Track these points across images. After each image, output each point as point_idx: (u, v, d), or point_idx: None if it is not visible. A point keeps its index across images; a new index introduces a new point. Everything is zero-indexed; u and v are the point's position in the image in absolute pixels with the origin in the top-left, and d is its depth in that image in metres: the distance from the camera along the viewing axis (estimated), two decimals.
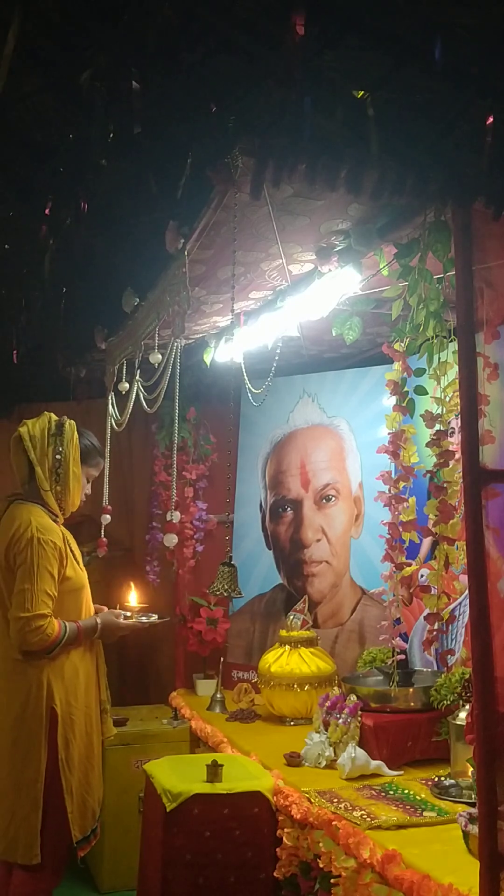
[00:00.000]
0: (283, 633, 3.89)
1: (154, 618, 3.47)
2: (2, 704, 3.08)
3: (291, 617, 3.93)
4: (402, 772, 2.99)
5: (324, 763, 3.10)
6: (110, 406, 3.75)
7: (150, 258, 2.75)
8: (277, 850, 2.85)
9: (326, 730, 3.19)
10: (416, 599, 3.32)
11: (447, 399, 2.69)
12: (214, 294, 3.11)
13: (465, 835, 2.26)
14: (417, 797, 2.73)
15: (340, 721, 3.11)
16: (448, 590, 2.73)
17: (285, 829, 2.82)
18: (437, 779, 2.85)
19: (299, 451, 4.41)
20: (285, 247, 2.64)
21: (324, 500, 4.25)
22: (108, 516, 3.76)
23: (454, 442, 2.69)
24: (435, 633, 2.70)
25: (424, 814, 2.57)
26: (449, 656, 3.10)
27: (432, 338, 2.58)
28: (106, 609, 3.38)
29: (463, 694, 2.92)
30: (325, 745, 3.12)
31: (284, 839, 2.81)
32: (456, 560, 2.66)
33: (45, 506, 3.18)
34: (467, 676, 2.92)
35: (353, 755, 2.95)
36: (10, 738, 3.03)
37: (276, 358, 3.22)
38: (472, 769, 2.62)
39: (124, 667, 4.77)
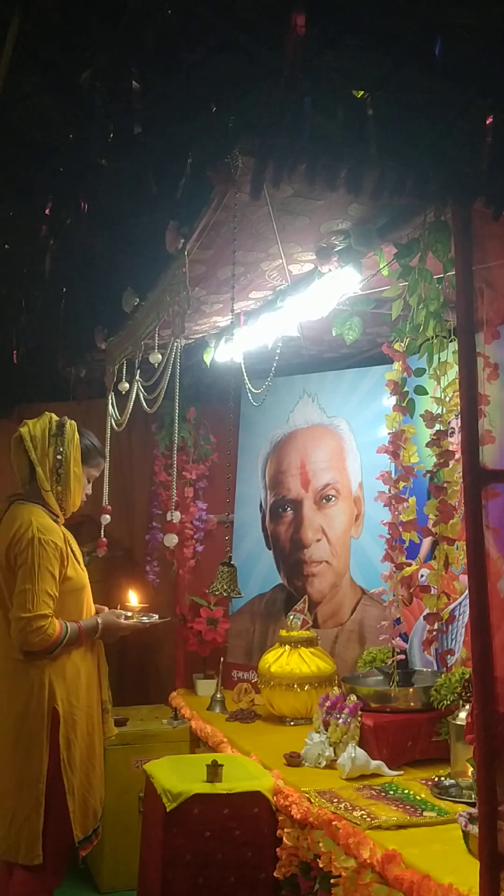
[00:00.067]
0: (283, 633, 3.89)
1: (155, 618, 3.47)
2: (3, 705, 3.08)
3: (291, 617, 3.93)
4: (402, 772, 2.98)
5: (324, 763, 3.10)
6: (110, 406, 3.75)
7: (150, 258, 2.75)
8: (277, 850, 2.85)
9: (326, 730, 3.19)
10: (416, 599, 3.32)
11: (447, 399, 2.69)
12: (214, 294, 3.11)
13: (465, 835, 2.26)
14: (417, 797, 2.73)
15: (340, 721, 3.11)
16: (448, 590, 2.73)
17: (285, 829, 2.82)
18: (437, 779, 2.85)
19: (299, 451, 4.41)
20: (285, 247, 2.64)
21: (324, 500, 4.25)
22: (108, 516, 3.76)
23: (454, 442, 2.69)
24: (435, 633, 2.70)
25: (424, 814, 2.57)
26: (449, 656, 3.10)
27: (432, 338, 2.58)
28: (107, 609, 3.38)
29: (463, 694, 2.92)
30: (325, 745, 3.12)
31: (284, 839, 2.81)
32: (456, 560, 2.66)
33: (45, 506, 3.18)
34: (467, 676, 2.92)
35: (353, 755, 2.95)
36: (12, 739, 3.03)
37: (276, 358, 3.22)
38: (472, 769, 2.62)
39: (124, 667, 4.77)
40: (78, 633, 3.11)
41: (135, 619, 3.38)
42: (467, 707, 2.83)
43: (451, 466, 2.66)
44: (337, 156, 1.78)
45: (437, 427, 2.70)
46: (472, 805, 2.48)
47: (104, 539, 3.73)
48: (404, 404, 2.90)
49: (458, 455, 2.57)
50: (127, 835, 3.65)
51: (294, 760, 3.15)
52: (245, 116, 1.77)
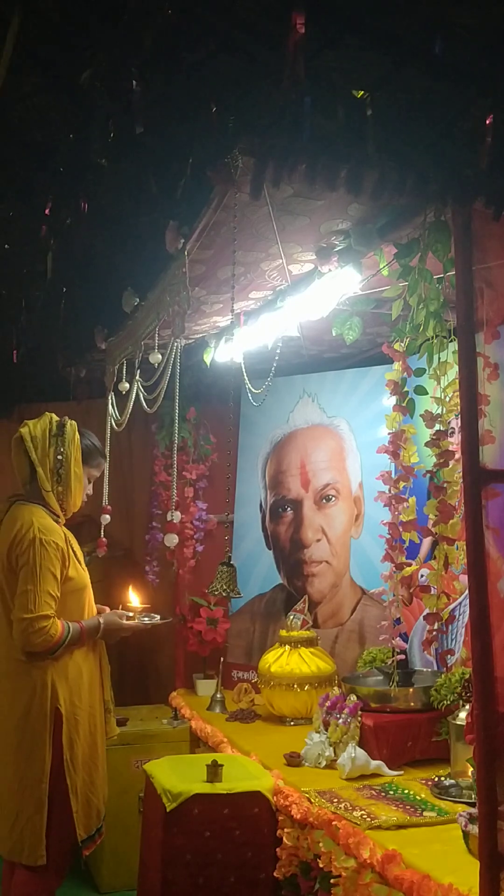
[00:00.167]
0: (283, 633, 3.89)
1: (156, 619, 3.47)
2: (6, 705, 3.08)
3: (291, 617, 3.93)
4: (402, 772, 2.98)
5: (324, 763, 3.10)
6: (110, 406, 3.75)
7: (150, 258, 2.75)
8: (277, 850, 2.85)
9: (326, 730, 3.19)
10: (416, 599, 3.32)
11: (447, 399, 2.69)
12: (214, 294, 3.11)
13: (465, 835, 2.26)
14: (417, 797, 2.73)
15: (340, 721, 3.11)
16: (448, 590, 2.73)
17: (285, 829, 2.82)
18: (437, 779, 2.85)
19: (299, 451, 4.41)
20: (285, 247, 2.64)
21: (324, 500, 4.25)
22: (108, 516, 3.76)
23: (454, 442, 2.69)
24: (435, 633, 2.70)
25: (424, 814, 2.57)
26: (449, 656, 3.10)
27: (432, 338, 2.58)
28: (108, 610, 3.38)
29: (463, 694, 2.92)
30: (325, 745, 3.12)
31: (284, 839, 2.81)
32: (456, 560, 2.66)
33: (46, 506, 3.18)
34: (467, 676, 2.92)
35: (353, 755, 2.95)
36: (15, 739, 3.03)
37: (276, 358, 3.22)
38: (472, 769, 2.62)
39: (124, 667, 4.77)
40: (80, 633, 3.11)
41: (136, 620, 3.38)
42: (467, 707, 2.83)
43: (451, 466, 2.66)
44: (337, 156, 1.78)
45: (437, 427, 2.70)
46: (472, 805, 2.48)
47: (104, 539, 3.73)
48: (404, 404, 2.90)
49: (458, 455, 2.57)
50: (127, 835, 3.65)
51: (294, 760, 3.15)
52: (245, 116, 1.77)
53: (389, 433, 2.94)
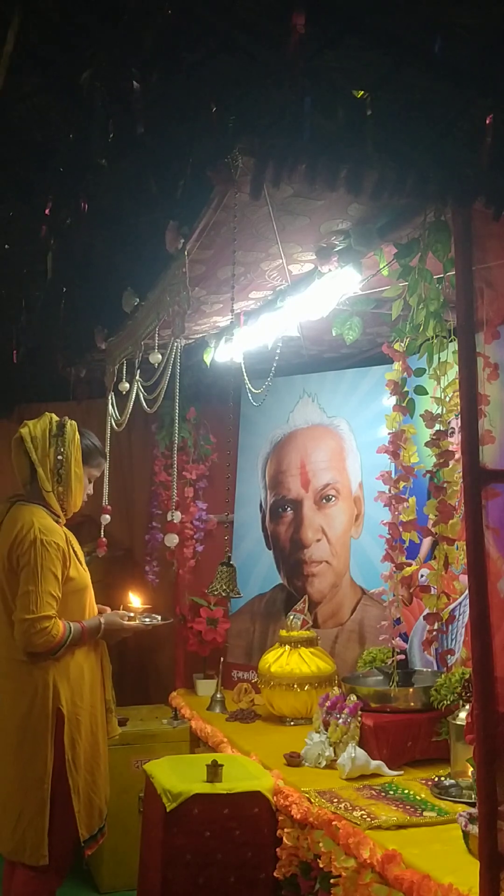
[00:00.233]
0: (283, 633, 3.89)
1: (157, 619, 3.48)
2: (8, 706, 3.08)
3: (291, 617, 3.93)
4: (402, 772, 2.99)
5: (324, 763, 3.10)
6: (110, 406, 3.75)
7: (150, 258, 2.75)
8: (277, 850, 2.85)
9: (326, 730, 3.19)
10: (416, 599, 3.32)
11: (447, 399, 2.69)
12: (214, 294, 3.11)
13: (465, 835, 2.26)
14: (417, 797, 2.73)
15: (340, 721, 3.11)
16: (448, 590, 2.73)
17: (285, 829, 2.82)
18: (437, 779, 2.85)
19: (299, 451, 4.41)
20: (285, 247, 2.64)
21: (324, 500, 4.25)
22: (108, 516, 3.76)
23: (454, 442, 2.69)
24: (435, 633, 2.70)
25: (424, 814, 2.57)
26: (449, 656, 3.11)
27: (432, 338, 2.58)
28: (109, 610, 3.38)
29: (463, 694, 2.92)
30: (325, 745, 3.12)
31: (284, 839, 2.81)
32: (456, 560, 2.66)
33: (47, 507, 3.18)
34: (467, 676, 2.92)
35: (353, 755, 2.95)
36: (17, 740, 3.03)
37: (276, 358, 3.22)
38: (472, 769, 2.62)
39: (125, 667, 4.77)
40: (81, 633, 3.11)
41: (137, 621, 3.38)
42: (467, 707, 2.83)
43: (451, 466, 2.66)
44: (337, 156, 1.78)
45: (437, 427, 2.70)
46: (472, 805, 2.48)
47: (104, 539, 3.73)
48: (404, 404, 2.90)
49: (458, 455, 2.57)
50: (127, 835, 3.65)
51: (294, 760, 3.15)
52: (245, 116, 1.77)
53: (389, 433, 2.94)
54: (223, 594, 2.74)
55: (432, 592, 2.71)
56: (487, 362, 2.12)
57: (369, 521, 4.03)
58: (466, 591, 2.04)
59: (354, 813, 2.58)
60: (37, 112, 1.91)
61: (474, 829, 2.09)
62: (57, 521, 3.19)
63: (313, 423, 4.40)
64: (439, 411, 2.71)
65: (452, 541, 2.66)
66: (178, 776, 2.96)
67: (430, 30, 1.61)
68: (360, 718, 3.07)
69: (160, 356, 2.97)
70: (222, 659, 4.27)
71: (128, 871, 3.46)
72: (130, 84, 1.69)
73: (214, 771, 2.91)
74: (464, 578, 2.37)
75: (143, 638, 4.28)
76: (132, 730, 4.06)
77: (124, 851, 3.72)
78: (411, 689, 3.13)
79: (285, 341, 3.32)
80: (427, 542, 3.25)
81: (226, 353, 3.66)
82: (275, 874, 2.85)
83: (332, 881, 2.50)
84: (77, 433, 3.24)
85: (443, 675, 3.08)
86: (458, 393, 2.34)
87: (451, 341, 2.55)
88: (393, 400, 2.92)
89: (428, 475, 2.81)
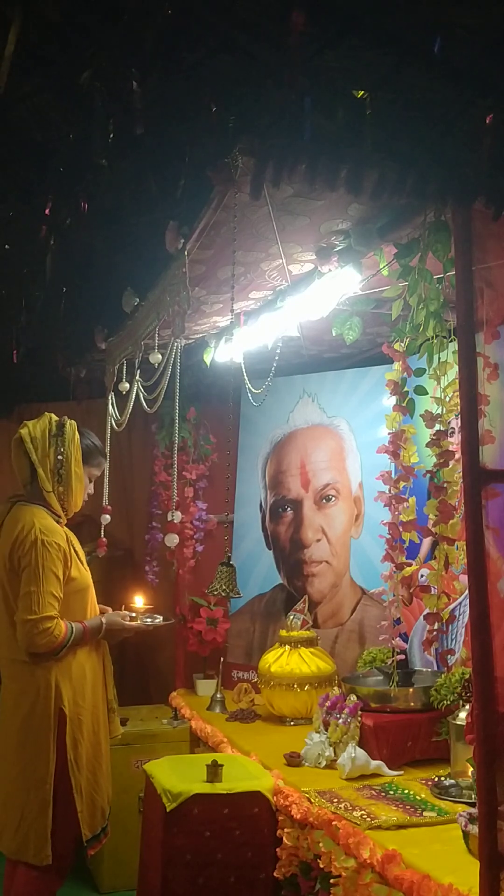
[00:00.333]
0: (283, 633, 3.89)
1: (159, 619, 3.48)
2: (10, 706, 3.08)
3: (291, 617, 3.93)
4: (402, 772, 2.98)
5: (324, 763, 3.10)
6: (110, 406, 3.75)
7: (150, 258, 2.75)
8: (277, 850, 2.85)
9: (326, 730, 3.19)
10: (416, 599, 3.32)
11: (447, 399, 2.69)
12: (214, 294, 3.11)
13: (465, 835, 2.26)
14: (417, 797, 2.73)
15: (340, 721, 3.11)
16: (448, 590, 2.73)
17: (285, 829, 2.82)
18: (437, 779, 2.85)
19: (299, 451, 4.41)
20: (285, 247, 2.64)
21: (324, 500, 4.25)
22: (108, 516, 3.77)
23: (454, 442, 2.69)
24: (435, 633, 2.70)
25: (424, 814, 2.57)
26: (449, 656, 3.11)
27: (432, 338, 2.58)
28: (110, 610, 3.38)
29: (463, 694, 2.92)
30: (325, 745, 3.12)
31: (284, 839, 2.81)
32: (456, 560, 2.66)
33: (47, 507, 3.18)
34: (467, 676, 2.92)
35: (353, 755, 2.95)
36: (19, 740, 3.03)
37: (276, 358, 3.22)
38: (472, 769, 2.62)
39: (125, 667, 4.77)
40: (83, 633, 3.11)
41: (139, 621, 3.38)
42: (467, 707, 2.83)
43: (451, 466, 2.66)
44: (337, 156, 1.78)
45: (437, 427, 2.70)
46: (472, 805, 2.48)
47: (104, 539, 3.73)
48: (404, 404, 2.90)
49: (458, 455, 2.57)
50: (127, 835, 3.65)
51: (294, 760, 3.15)
52: (245, 116, 1.77)
53: (389, 433, 2.94)
54: (223, 594, 2.74)
55: (432, 592, 2.71)
56: (487, 362, 2.12)
57: (369, 521, 4.03)
58: (466, 591, 2.04)
59: (354, 813, 2.58)
60: (37, 112, 1.91)
61: (474, 829, 2.09)
62: (58, 522, 3.19)
63: (313, 423, 4.40)
64: (439, 411, 2.71)
65: (452, 541, 2.66)
66: (178, 776, 2.96)
67: (430, 30, 1.61)
68: (360, 718, 3.07)
69: (160, 356, 2.97)
70: (222, 659, 4.27)
71: (128, 871, 3.46)
72: (130, 84, 1.69)
73: (214, 771, 2.91)
74: (464, 578, 2.37)
75: (143, 638, 4.28)
76: (132, 730, 4.06)
77: (124, 851, 3.72)
78: (411, 689, 3.13)
79: (285, 341, 3.32)
80: (427, 542, 3.25)
81: (226, 353, 3.66)
82: (275, 874, 2.85)
83: (332, 881, 2.50)
84: (77, 433, 3.24)
85: (443, 675, 3.08)
86: (458, 393, 2.34)
87: (451, 341, 2.55)
88: (393, 400, 2.92)
89: (428, 475, 2.81)
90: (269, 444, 4.56)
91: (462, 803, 2.62)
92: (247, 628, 4.48)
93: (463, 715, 2.83)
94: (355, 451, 4.17)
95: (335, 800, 2.72)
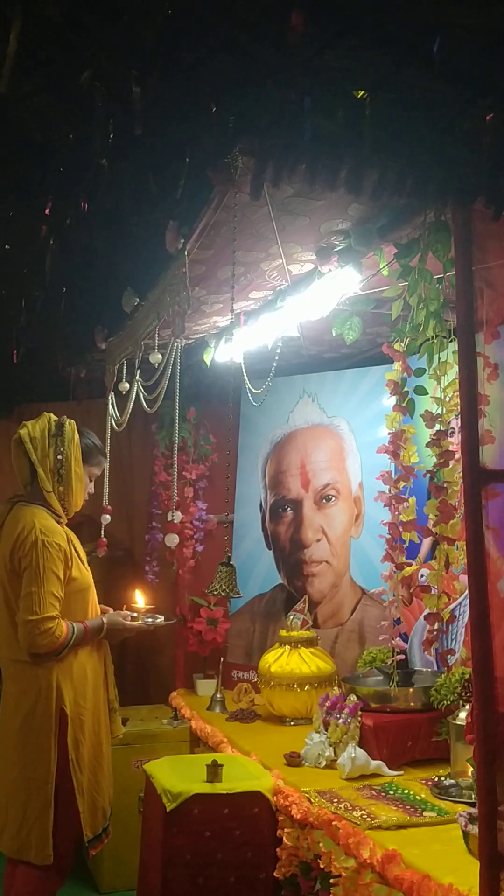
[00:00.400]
0: (283, 633, 3.89)
1: (160, 619, 3.47)
2: (11, 707, 3.08)
3: (291, 617, 3.93)
4: (402, 772, 2.99)
5: (324, 763, 3.10)
6: (110, 406, 3.75)
7: (150, 258, 2.75)
8: (277, 850, 2.85)
9: (326, 730, 3.19)
10: (416, 599, 3.32)
11: (447, 399, 2.69)
12: (214, 294, 3.11)
13: (465, 835, 2.26)
14: (417, 797, 2.73)
15: (340, 721, 3.11)
16: (448, 590, 2.73)
17: (285, 829, 2.82)
18: (437, 779, 2.85)
19: (299, 451, 4.41)
20: (285, 247, 2.64)
21: (324, 500, 4.25)
22: (108, 516, 3.76)
23: (454, 442, 2.69)
24: (435, 633, 2.70)
25: (424, 814, 2.57)
26: (449, 656, 3.11)
27: (432, 338, 2.58)
28: (111, 610, 3.38)
29: (463, 694, 2.92)
30: (325, 745, 3.12)
31: (284, 839, 2.81)
32: (456, 560, 2.66)
33: (48, 507, 3.18)
34: (467, 676, 2.92)
35: (353, 755, 2.95)
36: (21, 740, 3.03)
37: (276, 358, 3.22)
38: (472, 769, 2.62)
39: (125, 667, 4.77)
40: (84, 633, 3.11)
41: (140, 621, 3.38)
42: (467, 707, 2.83)
43: (451, 466, 2.66)
44: (337, 156, 1.78)
45: (437, 427, 2.70)
46: (472, 805, 2.48)
47: (104, 539, 3.73)
48: (404, 404, 2.90)
49: (458, 455, 2.57)
50: (127, 835, 3.65)
51: (294, 760, 3.15)
52: (245, 116, 1.77)
53: (389, 433, 2.94)
54: (223, 594, 2.74)
55: (432, 592, 2.71)
56: (487, 362, 2.13)
57: (369, 521, 4.03)
58: (466, 591, 2.04)
59: (354, 813, 2.58)
60: (37, 112, 1.91)
61: (474, 829, 2.09)
62: (58, 522, 3.18)
63: (313, 423, 4.40)
64: (439, 411, 2.71)
65: (452, 541, 2.66)
66: (178, 776, 2.97)
67: (430, 30, 1.61)
68: (360, 718, 3.07)
69: (160, 356, 2.97)
70: (222, 659, 4.27)
71: (128, 871, 3.46)
72: (130, 84, 1.69)
73: (214, 771, 2.91)
74: (464, 578, 2.37)
75: (143, 638, 4.28)
76: (132, 730, 4.05)
77: (124, 851, 3.72)
78: (411, 689, 3.13)
79: (285, 341, 3.32)
80: (427, 542, 3.25)
81: (226, 353, 3.66)
82: (275, 874, 2.85)
83: (332, 881, 2.50)
84: (76, 432, 3.24)
85: (443, 675, 3.08)
86: (458, 393, 2.34)
87: (451, 341, 2.55)
88: (393, 400, 2.92)
89: (428, 475, 2.81)
90: (269, 444, 4.56)
91: (462, 803, 2.62)
92: (247, 628, 4.48)
93: (463, 715, 2.83)
94: (355, 451, 4.18)
95: (335, 800, 2.72)
